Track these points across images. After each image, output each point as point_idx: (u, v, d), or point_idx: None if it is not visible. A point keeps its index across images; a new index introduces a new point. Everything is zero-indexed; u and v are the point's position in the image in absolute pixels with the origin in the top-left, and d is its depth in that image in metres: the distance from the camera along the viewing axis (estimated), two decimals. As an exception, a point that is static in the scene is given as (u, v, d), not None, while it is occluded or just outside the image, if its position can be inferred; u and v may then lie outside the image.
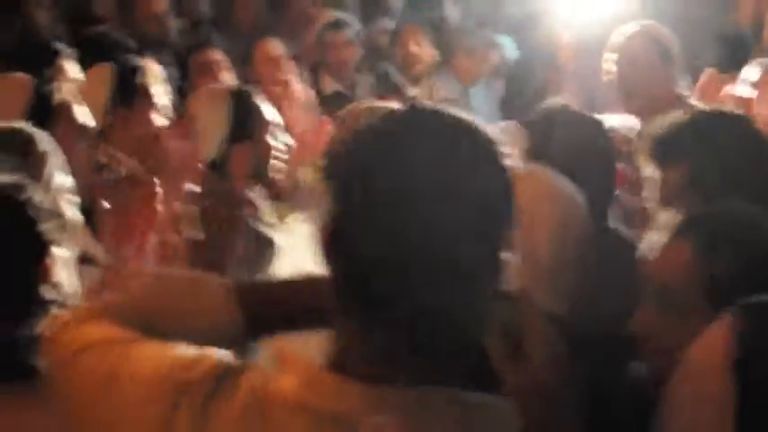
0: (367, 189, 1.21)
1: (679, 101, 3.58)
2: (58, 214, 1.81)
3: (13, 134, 2.35)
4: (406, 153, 1.21)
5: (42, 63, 3.44)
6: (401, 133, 1.23)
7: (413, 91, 5.13)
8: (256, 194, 2.96)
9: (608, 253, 2.29)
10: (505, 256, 1.24)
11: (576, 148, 2.41)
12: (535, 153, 2.43)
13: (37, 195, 1.71)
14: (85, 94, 3.06)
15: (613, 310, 2.10)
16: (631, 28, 3.78)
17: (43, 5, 4.83)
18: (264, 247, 2.86)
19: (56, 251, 1.72)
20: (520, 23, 5.77)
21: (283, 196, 3.27)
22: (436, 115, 1.26)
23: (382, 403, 1.19)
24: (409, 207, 1.18)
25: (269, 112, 3.06)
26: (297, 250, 2.65)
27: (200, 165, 2.96)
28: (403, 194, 1.19)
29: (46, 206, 1.72)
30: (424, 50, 5.34)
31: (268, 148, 3.00)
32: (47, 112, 2.77)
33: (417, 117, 1.27)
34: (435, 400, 1.20)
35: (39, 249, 1.69)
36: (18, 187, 1.70)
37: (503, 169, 1.25)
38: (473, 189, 1.21)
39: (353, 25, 5.33)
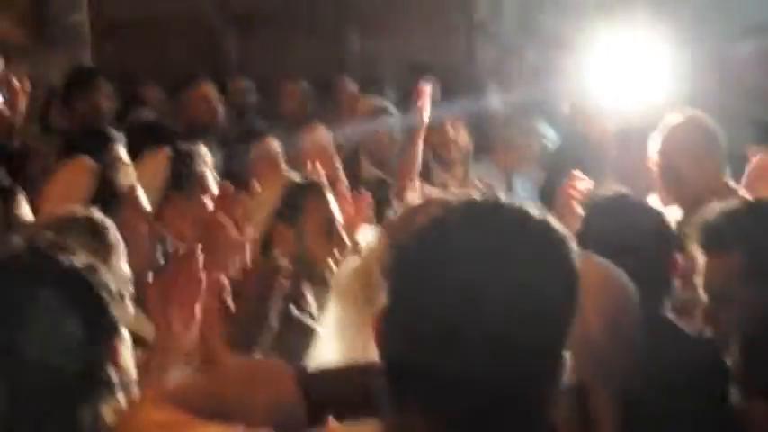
0: (424, 281, 1.23)
1: (727, 190, 3.60)
2: (123, 301, 1.85)
3: (85, 221, 2.40)
4: (465, 246, 1.22)
5: (97, 148, 3.51)
6: (461, 227, 1.25)
7: (442, 177, 5.15)
8: (298, 279, 2.98)
9: (662, 341, 2.30)
10: (567, 347, 1.24)
11: (634, 236, 2.43)
12: (591, 237, 2.45)
13: (109, 280, 1.76)
14: (140, 180, 3.12)
15: (664, 398, 2.11)
16: (678, 118, 3.81)
17: (108, 95, 4.97)
18: (303, 334, 2.87)
19: (123, 334, 1.76)
20: (563, 112, 5.84)
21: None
22: (499, 209, 1.28)
23: None
24: (466, 298, 1.20)
25: (332, 205, 3.09)
26: (335, 338, 2.66)
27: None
28: (460, 285, 1.20)
29: (115, 291, 1.77)
30: (460, 139, 5.38)
31: (314, 236, 3.02)
32: (112, 197, 2.84)
33: (480, 211, 1.29)
34: None
35: (109, 331, 1.73)
36: (93, 269, 1.75)
37: (567, 263, 1.25)
38: (532, 281, 1.21)
39: (393, 113, 5.40)
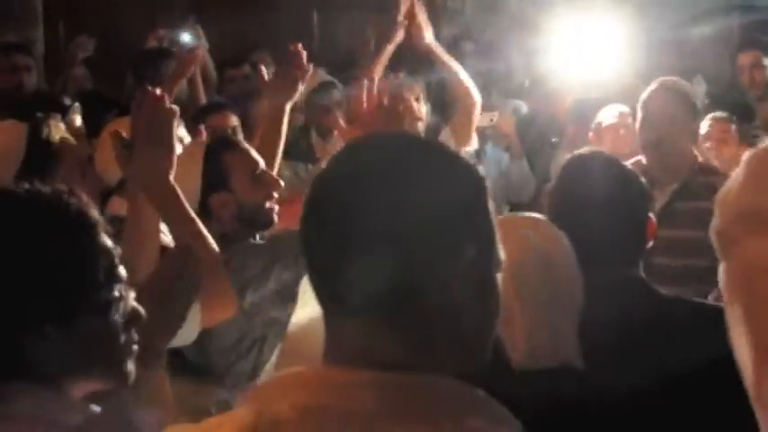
0: (321, 204, 1.30)
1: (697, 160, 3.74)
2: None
3: None
4: (356, 168, 1.30)
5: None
6: (352, 152, 1.35)
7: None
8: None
9: (637, 301, 2.28)
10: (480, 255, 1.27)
11: (607, 194, 2.36)
12: (563, 195, 2.41)
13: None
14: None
15: (638, 360, 2.08)
16: (659, 82, 3.79)
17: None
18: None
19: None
20: (523, 88, 5.85)
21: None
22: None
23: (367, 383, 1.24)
24: (363, 212, 1.25)
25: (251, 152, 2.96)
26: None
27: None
28: (353, 204, 1.26)
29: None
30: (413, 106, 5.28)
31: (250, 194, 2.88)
32: (46, 153, 2.71)
33: (367, 141, 1.43)
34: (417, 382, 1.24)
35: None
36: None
37: (461, 170, 1.31)
38: (423, 188, 1.27)
39: (339, 86, 5.33)
